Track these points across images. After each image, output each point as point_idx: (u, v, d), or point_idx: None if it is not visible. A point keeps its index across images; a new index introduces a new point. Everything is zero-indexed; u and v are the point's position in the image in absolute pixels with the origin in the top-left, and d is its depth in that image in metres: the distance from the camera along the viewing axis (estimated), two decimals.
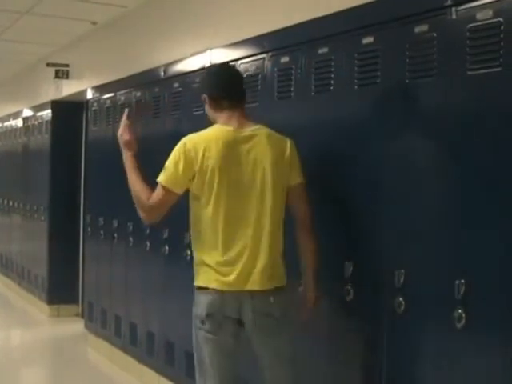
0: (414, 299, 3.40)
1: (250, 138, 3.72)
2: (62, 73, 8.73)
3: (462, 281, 3.11)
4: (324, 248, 3.78)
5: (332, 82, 3.97)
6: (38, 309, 9.27)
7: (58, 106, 9.21)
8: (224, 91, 3.81)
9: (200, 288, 3.63)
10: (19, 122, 10.83)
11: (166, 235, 5.76)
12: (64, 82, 8.83)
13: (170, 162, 3.70)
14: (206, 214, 3.65)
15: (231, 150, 3.67)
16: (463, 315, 3.11)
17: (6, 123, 11.70)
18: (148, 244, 6.08)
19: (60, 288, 9.00)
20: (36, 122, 9.86)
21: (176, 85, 5.75)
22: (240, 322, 3.60)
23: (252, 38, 4.74)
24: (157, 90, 6.10)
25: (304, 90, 4.20)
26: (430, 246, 3.36)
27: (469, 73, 3.13)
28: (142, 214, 3.75)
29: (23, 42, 8.83)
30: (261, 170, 3.68)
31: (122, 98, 6.78)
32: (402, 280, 3.43)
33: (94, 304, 7.40)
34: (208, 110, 3.89)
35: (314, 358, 4.01)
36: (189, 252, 5.36)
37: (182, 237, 5.43)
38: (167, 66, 5.94)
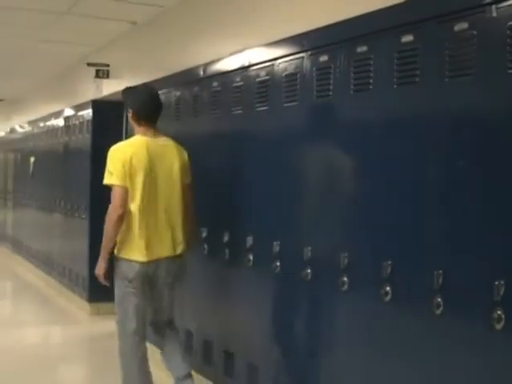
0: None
1: (164, 146, 5.17)
2: (102, 72, 8.77)
3: (502, 282, 3.09)
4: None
5: (371, 80, 3.95)
6: (78, 307, 9.34)
7: (98, 105, 9.26)
8: (146, 116, 5.17)
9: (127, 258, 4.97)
10: (61, 122, 10.92)
11: (204, 234, 5.78)
12: (104, 81, 8.87)
13: (112, 167, 4.95)
14: (133, 204, 4.91)
15: (153, 154, 5.04)
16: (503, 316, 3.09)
17: (48, 123, 11.80)
18: None
19: (100, 286, 8.98)
20: (77, 122, 9.93)
21: (215, 84, 5.76)
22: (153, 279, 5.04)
23: (291, 36, 4.72)
24: (196, 89, 6.11)
25: (343, 88, 4.18)
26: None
27: (509, 71, 3.09)
28: (116, 221, 4.89)
29: (64, 43, 8.90)
30: (173, 171, 5.11)
31: (162, 98, 6.78)
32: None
33: None
34: (131, 120, 5.23)
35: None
36: (227, 251, 5.40)
37: (221, 236, 5.45)
38: (206, 65, 5.94)
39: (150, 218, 4.99)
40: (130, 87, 5.56)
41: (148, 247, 4.97)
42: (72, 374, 6.49)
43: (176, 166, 5.13)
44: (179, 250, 5.14)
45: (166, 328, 5.36)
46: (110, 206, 4.91)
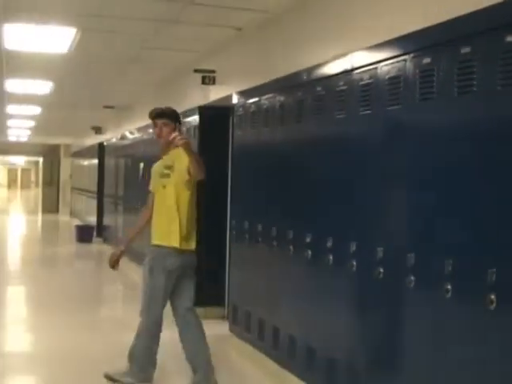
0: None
1: None
2: (208, 79, 8.84)
3: None
4: None
5: (475, 82, 3.85)
6: None
7: (204, 111, 9.34)
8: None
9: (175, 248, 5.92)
10: None
11: (308, 240, 5.74)
12: (210, 87, 8.95)
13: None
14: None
15: None
16: None
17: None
18: (291, 248, 6.08)
19: (207, 290, 9.12)
20: (184, 128, 10.02)
21: (319, 88, 5.73)
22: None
23: (393, 39, 4.66)
24: (299, 93, 6.09)
25: (446, 91, 4.09)
26: None
27: None
28: None
29: (171, 50, 9.02)
30: None
31: (266, 103, 6.82)
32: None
33: (238, 307, 7.47)
34: (171, 133, 5.89)
35: None
36: (331, 257, 5.35)
37: (325, 241, 5.41)
38: (310, 69, 5.92)
39: (192, 212, 6.05)
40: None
41: (192, 237, 6.02)
42: (174, 376, 6.56)
43: None
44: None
45: (187, 313, 6.09)
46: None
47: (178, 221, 5.91)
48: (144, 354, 6.08)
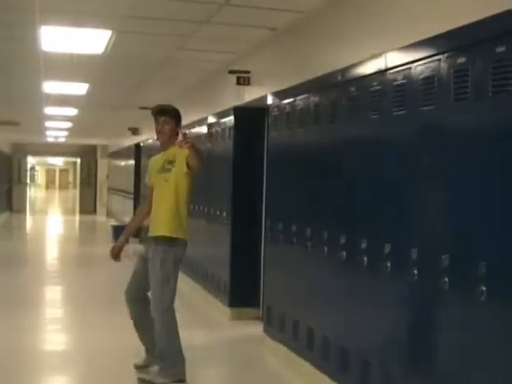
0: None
1: None
2: (243, 79, 8.84)
3: None
4: None
5: (510, 82, 3.81)
6: (219, 311, 9.43)
7: (239, 111, 9.35)
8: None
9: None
10: (204, 129, 11.09)
11: (343, 241, 5.72)
12: (245, 88, 8.94)
13: None
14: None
15: None
16: None
17: (193, 130, 11.99)
18: (326, 249, 6.07)
19: (241, 291, 9.13)
20: (219, 128, 10.05)
21: (352, 89, 5.71)
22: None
23: (427, 39, 4.61)
24: (333, 94, 6.07)
25: (481, 91, 4.05)
26: None
27: None
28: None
29: (205, 51, 9.03)
30: None
31: (301, 103, 6.80)
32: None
33: (272, 308, 7.46)
34: (171, 132, 6.33)
35: None
36: (365, 258, 5.33)
37: (359, 243, 5.39)
38: (344, 69, 5.89)
39: (189, 204, 6.42)
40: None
41: (187, 228, 6.36)
42: (206, 377, 6.58)
43: None
44: None
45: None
46: None
47: (179, 212, 6.24)
48: (168, 352, 6.16)
